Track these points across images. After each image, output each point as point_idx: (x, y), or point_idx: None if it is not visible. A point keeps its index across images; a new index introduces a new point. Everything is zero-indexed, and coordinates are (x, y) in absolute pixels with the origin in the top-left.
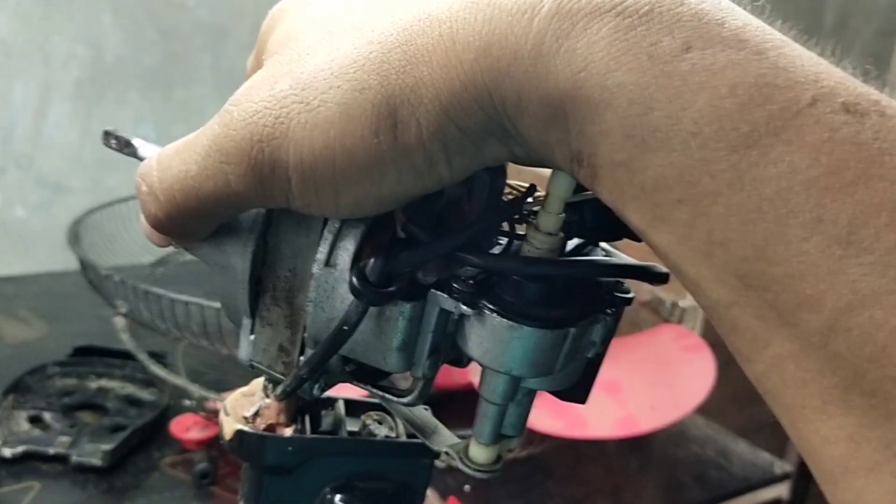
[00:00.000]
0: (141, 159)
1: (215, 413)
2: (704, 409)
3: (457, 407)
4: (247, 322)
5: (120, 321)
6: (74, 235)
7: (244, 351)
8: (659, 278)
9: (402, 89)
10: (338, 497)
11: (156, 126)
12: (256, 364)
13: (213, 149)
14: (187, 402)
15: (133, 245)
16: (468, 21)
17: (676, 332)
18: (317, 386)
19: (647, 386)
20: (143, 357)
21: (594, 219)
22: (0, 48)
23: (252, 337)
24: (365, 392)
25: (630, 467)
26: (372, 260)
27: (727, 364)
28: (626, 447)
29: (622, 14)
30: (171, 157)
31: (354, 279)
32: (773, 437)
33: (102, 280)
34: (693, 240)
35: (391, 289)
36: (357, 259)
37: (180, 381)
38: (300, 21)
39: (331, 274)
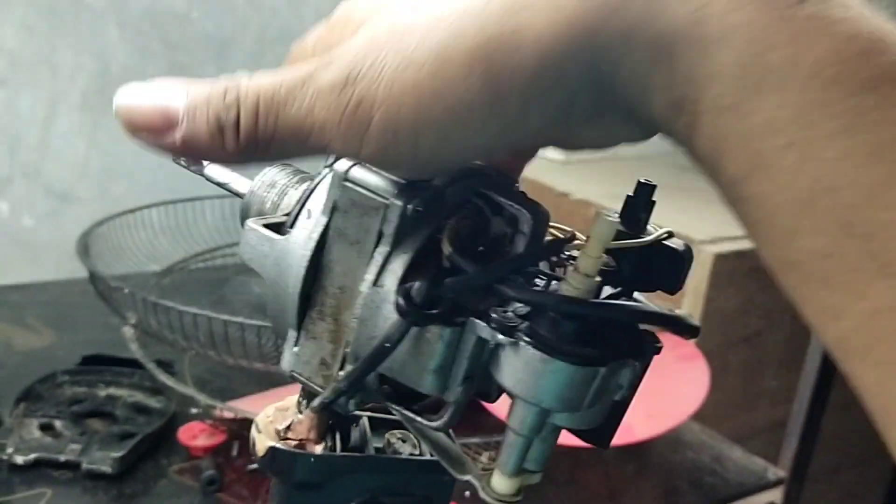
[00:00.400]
0: (206, 177)
1: (222, 421)
2: (700, 416)
3: (466, 419)
4: (292, 334)
5: (129, 331)
6: (84, 247)
7: (287, 362)
8: (690, 330)
9: (502, 34)
10: None
11: None
12: (297, 375)
13: (309, 79)
14: (194, 410)
15: (139, 254)
16: None
17: (672, 342)
18: (352, 402)
19: (642, 394)
20: (151, 366)
21: (631, 268)
22: (7, 60)
23: (296, 349)
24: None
25: (627, 473)
26: (418, 283)
27: (722, 372)
28: (623, 453)
29: None
30: (264, 77)
31: (401, 299)
32: (767, 443)
33: (112, 292)
34: (796, 187)
35: (434, 311)
36: (404, 282)
37: (187, 389)
38: None
39: (377, 293)
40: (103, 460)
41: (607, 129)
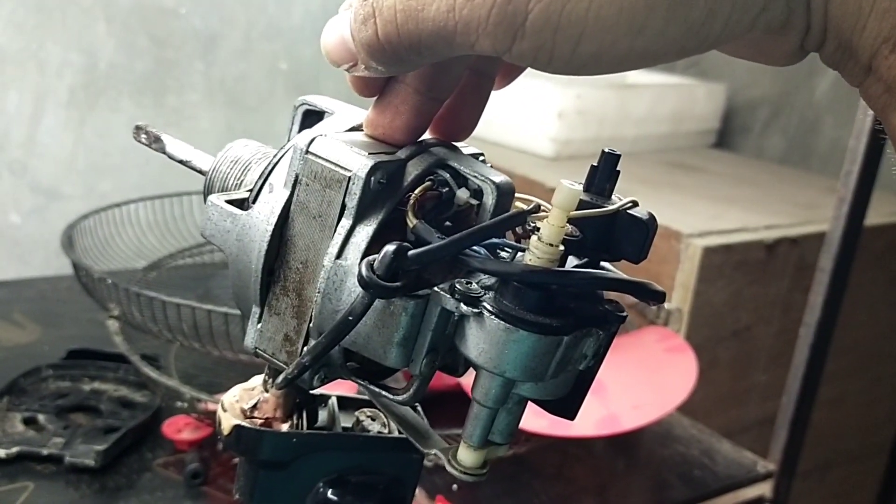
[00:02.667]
0: (168, 155)
1: (207, 414)
2: (689, 411)
3: (446, 408)
4: (255, 310)
5: (113, 324)
6: (68, 239)
7: (250, 338)
8: (656, 297)
9: None
10: (330, 491)
11: None
12: (261, 352)
13: None
14: (179, 404)
15: (126, 250)
16: None
17: (660, 334)
18: (317, 377)
19: (630, 386)
20: (135, 359)
21: (595, 238)
22: None
23: (259, 325)
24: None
25: (616, 467)
26: (381, 254)
27: (711, 367)
28: (612, 447)
29: None
30: None
31: (364, 271)
32: (757, 437)
33: (95, 283)
34: None
35: (397, 284)
36: (367, 254)
37: (172, 382)
38: None
39: (340, 267)
40: (86, 454)
41: (778, 47)
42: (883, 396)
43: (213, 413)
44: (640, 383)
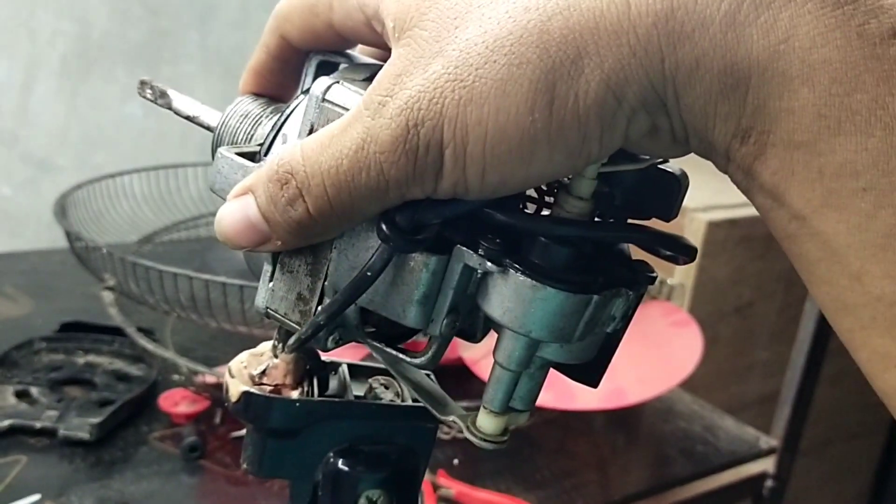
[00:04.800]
0: (174, 111)
1: (204, 387)
2: (691, 387)
3: (447, 382)
4: (267, 268)
5: (108, 295)
6: (61, 209)
7: (261, 298)
8: (687, 252)
9: (563, 62)
10: (341, 461)
11: (143, 103)
12: (272, 312)
13: (367, 140)
14: (176, 377)
15: (120, 223)
16: None
17: (665, 309)
18: (331, 338)
19: (635, 360)
20: (131, 331)
21: (624, 194)
22: None
23: (271, 284)
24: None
25: (617, 442)
26: (402, 205)
27: (713, 343)
28: (613, 422)
29: None
30: (317, 154)
31: (384, 224)
32: (760, 414)
33: (90, 253)
34: (870, 231)
35: (419, 237)
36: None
37: (169, 354)
38: None
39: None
40: (81, 427)
41: (656, 146)
42: None
43: (210, 386)
44: (646, 357)
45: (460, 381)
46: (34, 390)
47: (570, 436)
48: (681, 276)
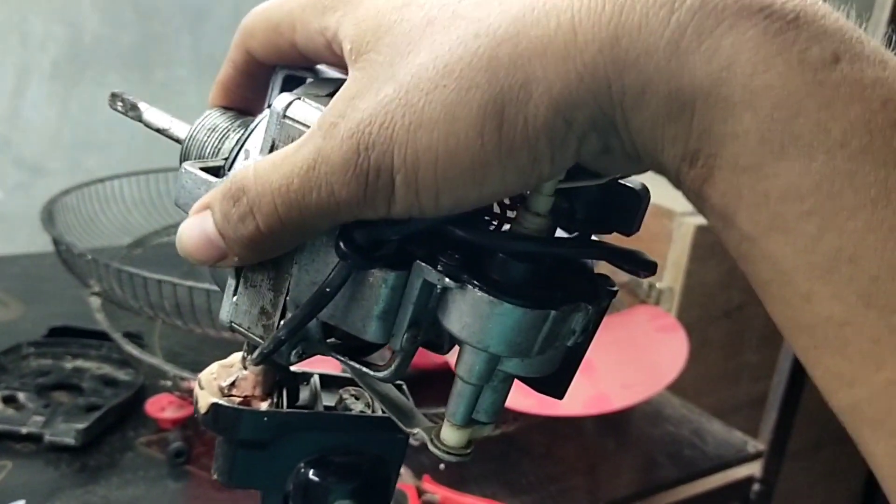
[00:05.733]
0: (145, 123)
1: (191, 393)
2: (680, 390)
3: (433, 387)
4: (231, 283)
5: (95, 301)
6: (48, 214)
7: (225, 312)
8: (647, 266)
9: (511, 87)
10: (312, 472)
11: None
12: (236, 326)
13: (318, 161)
14: (163, 382)
15: (111, 227)
16: (594, 11)
17: (651, 313)
18: (294, 352)
19: (620, 365)
20: (117, 336)
21: (585, 208)
22: None
23: (234, 298)
24: (340, 367)
25: (605, 446)
26: (360, 222)
27: (702, 347)
28: (601, 426)
29: (770, 17)
30: (269, 172)
31: (341, 241)
32: (748, 417)
33: (75, 259)
34: (816, 253)
35: (377, 254)
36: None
37: (155, 360)
38: (387, 7)
39: (319, 237)
40: (67, 432)
41: (611, 164)
42: None
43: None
44: (631, 362)
45: (446, 385)
46: (21, 395)
47: (557, 440)
48: (669, 279)
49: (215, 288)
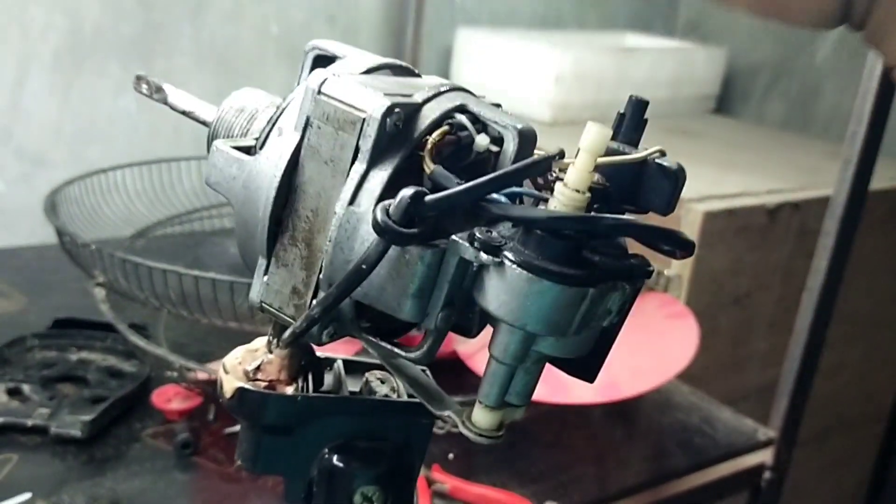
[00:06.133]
0: (170, 106)
1: (197, 384)
2: (689, 378)
3: (442, 376)
4: (262, 262)
5: (99, 292)
6: (51, 205)
7: (256, 292)
8: (685, 246)
9: None
10: (336, 457)
11: (136, 97)
12: (267, 306)
13: None
14: (169, 373)
15: (113, 217)
16: None
17: (661, 301)
18: (326, 332)
19: (630, 353)
20: (122, 327)
21: (621, 188)
22: None
23: (265, 278)
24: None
25: (615, 435)
26: (398, 199)
27: (711, 334)
28: (610, 415)
29: None
30: None
31: (378, 215)
32: (757, 405)
33: (79, 249)
34: None
35: (414, 230)
36: (382, 200)
37: (161, 351)
38: None
39: (353, 214)
40: (73, 424)
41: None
42: (881, 364)
43: (203, 382)
44: (641, 350)
45: (455, 375)
46: (26, 388)
47: (566, 429)
48: (678, 267)
49: (221, 277)
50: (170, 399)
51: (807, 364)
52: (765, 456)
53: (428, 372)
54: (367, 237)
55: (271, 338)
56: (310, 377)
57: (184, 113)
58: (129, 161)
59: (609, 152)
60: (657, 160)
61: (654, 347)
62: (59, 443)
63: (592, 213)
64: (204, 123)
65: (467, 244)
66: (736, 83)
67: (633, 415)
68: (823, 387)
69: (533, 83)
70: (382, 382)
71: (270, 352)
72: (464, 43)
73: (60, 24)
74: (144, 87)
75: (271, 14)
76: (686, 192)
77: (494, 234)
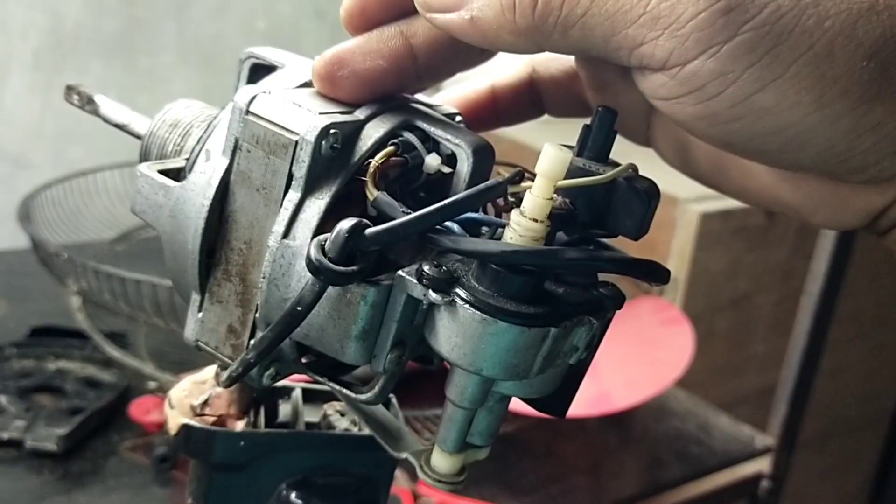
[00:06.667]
0: (102, 118)
1: None
2: (685, 383)
3: (426, 388)
4: (195, 298)
5: (76, 300)
6: (26, 211)
7: (190, 330)
8: (659, 277)
9: None
10: (294, 494)
11: (120, 95)
12: (203, 345)
13: None
14: (152, 384)
15: (95, 221)
16: None
17: (655, 305)
18: (267, 374)
19: (623, 362)
20: (97, 337)
21: (589, 209)
22: None
23: (200, 315)
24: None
25: (609, 444)
26: (334, 232)
27: (708, 337)
28: (604, 423)
29: None
30: None
31: (312, 252)
32: (756, 410)
33: (52, 258)
34: None
35: (354, 268)
36: (318, 233)
37: (136, 362)
38: None
39: (288, 248)
40: (48, 438)
41: (846, 201)
42: (883, 365)
43: None
44: (634, 358)
45: (439, 384)
46: (2, 399)
47: (558, 438)
48: (674, 269)
49: None
50: (148, 410)
51: (806, 368)
52: (762, 464)
53: (393, 399)
54: (303, 273)
55: (219, 370)
56: (262, 410)
57: (117, 126)
58: (111, 161)
59: (573, 172)
60: (626, 178)
61: (647, 356)
62: (34, 457)
63: (553, 247)
64: (138, 137)
65: (415, 280)
66: None
67: (628, 423)
68: (824, 388)
69: None
70: (342, 415)
71: (219, 384)
72: None
73: (41, 23)
74: (76, 97)
75: (258, 9)
76: (682, 193)
77: (444, 268)
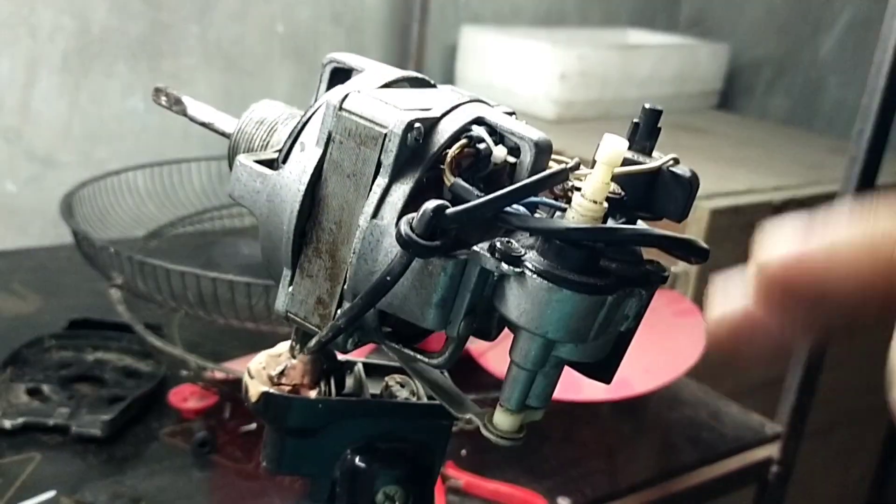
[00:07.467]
0: (190, 118)
1: (213, 382)
2: (697, 373)
3: (453, 374)
4: (286, 273)
5: (116, 293)
6: (67, 207)
7: (281, 302)
8: (700, 253)
9: None
10: (358, 458)
11: (145, 97)
12: (292, 316)
13: None
14: (185, 373)
15: (125, 218)
16: None
17: (669, 298)
18: (350, 341)
19: (640, 350)
20: (139, 328)
21: (636, 195)
22: None
23: (290, 289)
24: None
25: (624, 431)
26: (420, 212)
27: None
28: (619, 411)
29: None
30: None
31: (402, 229)
32: (764, 399)
33: (97, 252)
34: None
35: (436, 243)
36: (404, 214)
37: (177, 351)
38: None
39: (377, 227)
40: (92, 424)
41: None
42: (886, 356)
43: (219, 381)
44: (651, 347)
45: (465, 372)
46: (45, 388)
47: (576, 425)
48: (685, 263)
49: (238, 279)
50: (186, 398)
51: (814, 359)
52: (772, 450)
53: (446, 373)
54: (390, 249)
55: (294, 343)
56: (332, 381)
57: (203, 124)
58: (137, 161)
59: (624, 161)
60: (671, 168)
61: (663, 345)
62: (79, 442)
63: (610, 224)
64: (223, 134)
65: (488, 255)
66: (739, 78)
67: (642, 410)
68: (830, 380)
69: (538, 81)
70: (402, 386)
71: (293, 357)
72: (468, 41)
73: (68, 26)
74: (164, 99)
75: (277, 13)
76: None
77: (514, 244)
